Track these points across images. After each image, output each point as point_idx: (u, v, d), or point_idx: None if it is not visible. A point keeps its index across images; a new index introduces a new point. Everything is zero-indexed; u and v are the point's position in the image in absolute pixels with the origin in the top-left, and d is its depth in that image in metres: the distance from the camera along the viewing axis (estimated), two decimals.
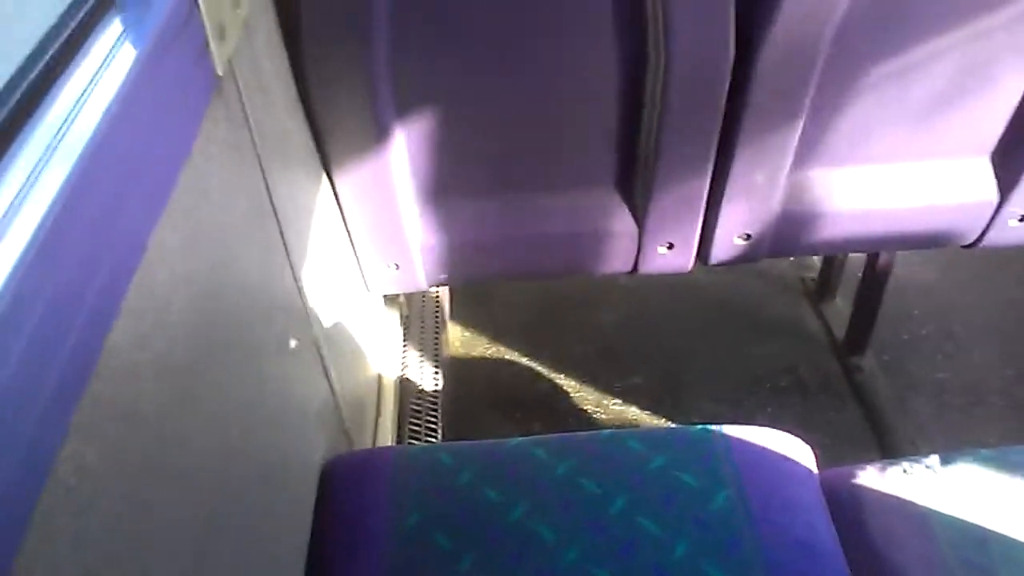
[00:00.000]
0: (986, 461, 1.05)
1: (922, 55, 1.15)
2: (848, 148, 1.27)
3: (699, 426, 1.07)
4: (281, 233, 0.94)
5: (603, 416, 1.83)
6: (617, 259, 1.35)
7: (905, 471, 1.05)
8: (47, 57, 0.56)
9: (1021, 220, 1.35)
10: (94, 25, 0.61)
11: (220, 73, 0.75)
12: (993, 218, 1.34)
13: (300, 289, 1.00)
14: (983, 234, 1.37)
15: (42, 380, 0.44)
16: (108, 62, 0.58)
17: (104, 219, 0.52)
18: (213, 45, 0.73)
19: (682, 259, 1.35)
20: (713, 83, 1.11)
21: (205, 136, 0.73)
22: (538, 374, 1.92)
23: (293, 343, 0.98)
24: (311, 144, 1.14)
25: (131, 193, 0.56)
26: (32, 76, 0.54)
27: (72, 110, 0.53)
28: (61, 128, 0.51)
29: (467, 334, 2.00)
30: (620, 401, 1.86)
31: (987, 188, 1.32)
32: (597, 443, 1.05)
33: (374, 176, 1.18)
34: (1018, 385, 1.84)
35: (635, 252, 1.33)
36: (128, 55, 0.59)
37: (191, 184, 0.69)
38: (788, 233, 1.34)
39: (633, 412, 1.83)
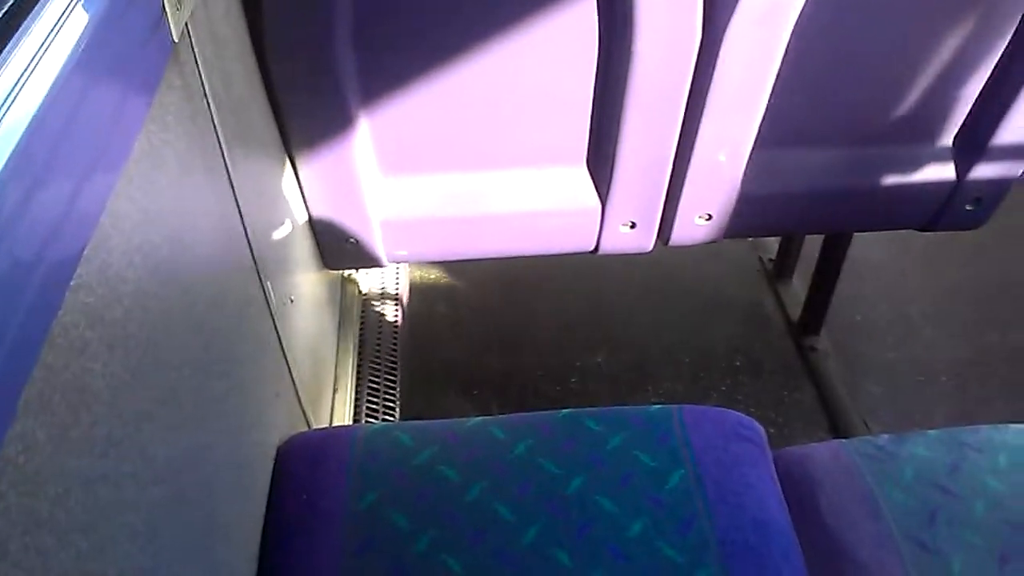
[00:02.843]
0: (934, 441, 1.07)
1: (887, 39, 1.16)
2: (810, 129, 1.28)
3: (656, 406, 1.08)
4: (238, 205, 0.92)
5: (562, 395, 1.83)
6: (579, 238, 1.35)
7: (856, 450, 1.07)
8: None
9: (975, 203, 1.38)
10: None
11: (176, 39, 0.73)
12: (949, 201, 1.37)
13: (256, 263, 0.98)
14: (938, 217, 1.40)
15: None
16: (60, 25, 0.56)
17: (55, 189, 0.51)
18: (169, 10, 0.71)
19: (644, 239, 1.35)
20: (679, 62, 1.11)
21: (160, 104, 0.71)
22: (497, 353, 1.92)
23: (249, 319, 0.97)
24: (269, 114, 1.11)
25: (83, 162, 0.54)
26: None
27: (21, 77, 0.51)
28: (9, 96, 0.49)
29: (426, 311, 1.99)
30: (579, 380, 1.87)
31: (945, 172, 1.34)
32: (555, 423, 1.05)
33: (334, 148, 1.16)
34: (967, 366, 1.89)
35: (597, 231, 1.33)
36: (80, 19, 0.57)
37: (146, 153, 0.67)
38: (748, 214, 1.35)
39: (592, 391, 1.84)
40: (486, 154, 1.24)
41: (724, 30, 1.09)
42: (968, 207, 1.38)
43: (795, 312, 2.00)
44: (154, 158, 0.69)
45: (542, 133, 1.22)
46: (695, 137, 1.21)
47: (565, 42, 1.11)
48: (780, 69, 1.14)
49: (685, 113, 1.17)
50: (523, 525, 0.94)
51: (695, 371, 1.89)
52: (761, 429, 1.09)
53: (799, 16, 1.08)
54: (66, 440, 0.51)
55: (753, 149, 1.25)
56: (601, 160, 1.24)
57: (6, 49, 0.53)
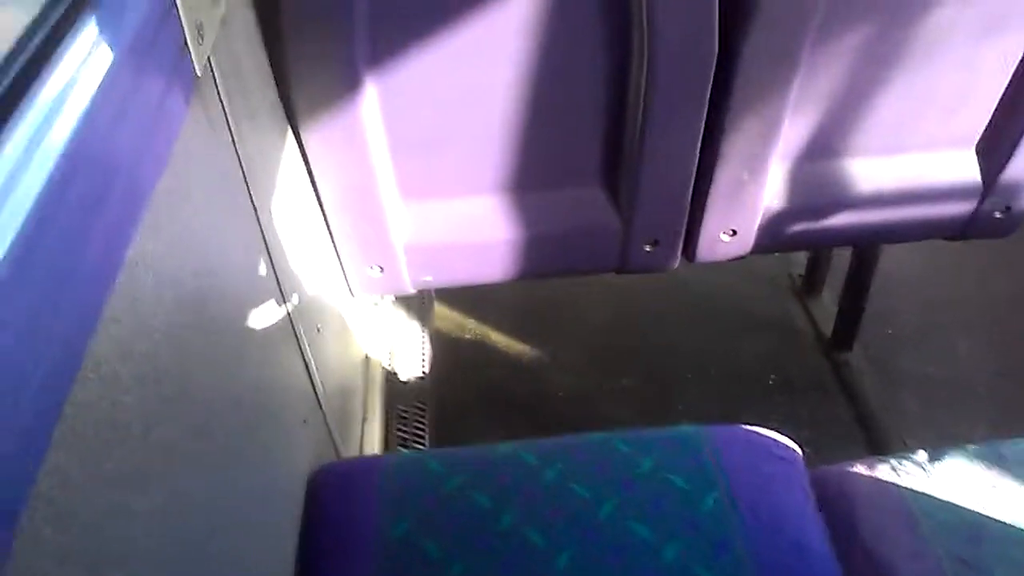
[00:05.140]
0: (974, 455, 1.05)
1: (904, 48, 1.15)
2: (832, 142, 1.27)
3: (687, 427, 1.07)
4: (263, 236, 0.93)
5: (592, 418, 1.82)
6: (603, 257, 1.34)
7: (893, 467, 1.05)
8: (21, 60, 0.54)
9: (1005, 211, 1.36)
10: (69, 26, 0.59)
11: (199, 73, 0.74)
12: (977, 210, 1.35)
13: (284, 295, 0.98)
14: (967, 226, 1.38)
15: (22, 394, 0.43)
16: (84, 64, 0.56)
17: (82, 226, 0.51)
18: (191, 44, 0.72)
19: (668, 256, 1.35)
20: (697, 78, 1.10)
21: (185, 138, 0.72)
22: (525, 377, 1.91)
23: (278, 349, 0.97)
24: (293, 144, 1.12)
25: (111, 198, 0.55)
26: (4, 81, 0.52)
27: (47, 115, 0.51)
28: (36, 135, 0.50)
29: (453, 337, 1.99)
30: (608, 402, 1.85)
31: (971, 180, 1.32)
32: (586, 446, 1.04)
33: (358, 176, 1.17)
34: (1004, 378, 1.85)
35: (621, 250, 1.32)
36: (105, 57, 0.58)
37: (172, 187, 0.68)
38: (774, 228, 1.33)
39: (622, 413, 1.82)
40: (507, 176, 1.24)
41: (742, 45, 1.08)
42: (997, 215, 1.36)
43: (827, 327, 1.97)
44: (180, 192, 0.70)
45: (562, 153, 1.22)
46: (717, 153, 1.21)
47: (583, 61, 1.11)
48: (799, 80, 1.14)
49: (705, 129, 1.17)
50: (555, 551, 0.93)
51: (726, 390, 1.87)
52: (795, 448, 1.07)
53: (816, 26, 1.08)
54: (99, 474, 0.51)
55: (776, 163, 1.25)
56: (622, 179, 1.24)
57: (33, 87, 0.53)
